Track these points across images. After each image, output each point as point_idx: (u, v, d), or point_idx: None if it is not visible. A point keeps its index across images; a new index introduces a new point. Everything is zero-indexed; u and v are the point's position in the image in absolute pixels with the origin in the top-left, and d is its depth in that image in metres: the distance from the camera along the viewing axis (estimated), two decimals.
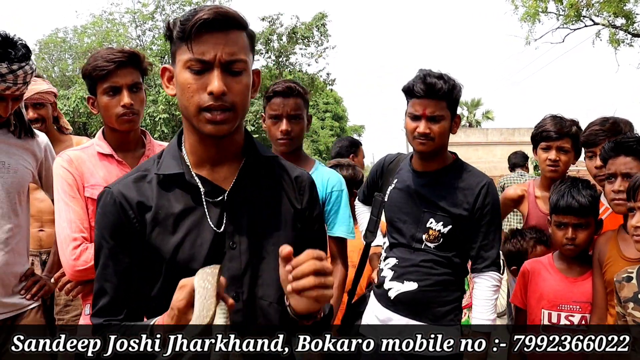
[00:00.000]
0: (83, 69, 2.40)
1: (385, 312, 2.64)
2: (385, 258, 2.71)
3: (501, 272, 2.63)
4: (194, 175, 1.45)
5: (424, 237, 2.58)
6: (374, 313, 2.71)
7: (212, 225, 1.42)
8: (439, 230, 2.55)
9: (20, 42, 2.32)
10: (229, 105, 1.36)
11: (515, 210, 3.43)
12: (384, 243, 2.81)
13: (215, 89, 1.33)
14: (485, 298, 2.55)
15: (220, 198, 1.45)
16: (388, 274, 2.65)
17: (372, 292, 2.82)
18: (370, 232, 2.91)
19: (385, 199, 2.74)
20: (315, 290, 1.21)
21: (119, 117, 2.32)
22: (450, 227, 2.54)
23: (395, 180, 2.73)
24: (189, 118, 1.40)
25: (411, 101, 2.54)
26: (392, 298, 2.61)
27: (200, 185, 1.44)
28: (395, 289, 2.61)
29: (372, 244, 3.02)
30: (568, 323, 2.48)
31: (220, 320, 1.18)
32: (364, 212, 3.08)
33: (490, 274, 2.55)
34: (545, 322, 2.50)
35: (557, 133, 2.98)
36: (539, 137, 3.09)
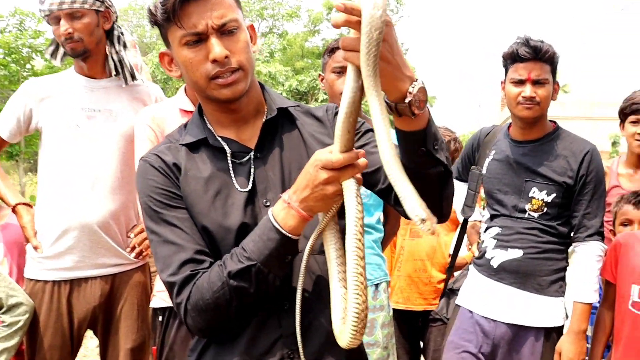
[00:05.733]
0: None
1: (488, 282, 2.60)
2: (487, 229, 2.68)
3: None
4: (219, 138, 1.45)
5: (527, 207, 2.54)
6: (475, 284, 2.67)
7: (237, 186, 1.42)
8: (543, 199, 2.52)
9: None
10: (236, 66, 1.36)
11: None
12: (483, 216, 2.78)
13: (217, 55, 1.33)
14: (589, 267, 2.50)
15: (247, 157, 1.45)
16: (490, 243, 2.62)
17: (471, 265, 2.79)
18: (469, 206, 2.86)
19: (484, 171, 2.71)
20: None
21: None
22: (554, 195, 2.51)
23: (493, 152, 2.69)
24: (201, 91, 1.41)
25: (513, 66, 2.53)
26: (495, 267, 2.58)
27: (226, 147, 1.44)
28: (499, 257, 2.57)
29: (470, 219, 2.99)
30: None
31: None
32: (459, 189, 3.02)
33: (594, 243, 2.50)
34: (636, 298, 2.40)
35: None
36: (627, 110, 2.99)
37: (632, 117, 2.95)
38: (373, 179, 1.45)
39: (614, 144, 24.39)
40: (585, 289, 2.50)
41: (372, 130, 1.52)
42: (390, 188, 1.40)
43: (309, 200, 1.25)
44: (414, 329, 3.48)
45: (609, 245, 2.65)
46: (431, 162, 1.27)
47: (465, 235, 3.15)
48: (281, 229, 1.28)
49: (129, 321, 2.58)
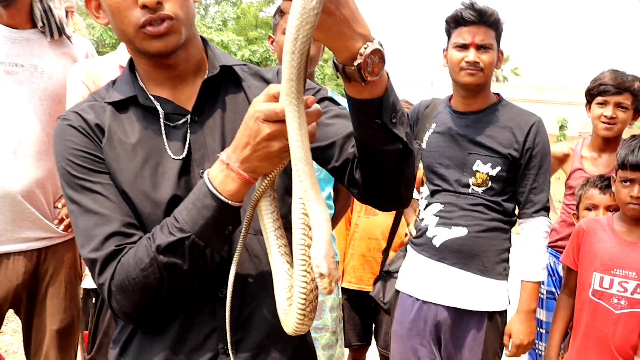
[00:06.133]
0: None
1: (428, 263, 2.46)
2: (427, 206, 2.52)
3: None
4: (151, 96, 1.25)
5: (470, 181, 2.42)
6: (414, 266, 2.53)
7: (170, 153, 1.22)
8: (487, 173, 2.40)
9: None
10: (169, 13, 1.16)
11: None
12: (422, 192, 2.62)
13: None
14: (537, 245, 2.41)
15: (183, 120, 1.26)
16: (431, 220, 2.47)
17: (408, 245, 2.64)
18: None
19: (424, 146, 2.55)
20: None
21: None
22: (499, 168, 2.39)
23: (434, 125, 2.55)
24: (130, 41, 1.20)
25: (457, 30, 2.42)
26: (437, 246, 2.43)
27: (159, 107, 1.24)
28: (442, 235, 2.43)
29: None
30: (621, 289, 2.29)
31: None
32: None
33: (541, 219, 2.42)
34: (596, 286, 2.32)
35: (616, 87, 2.82)
36: (595, 91, 2.89)
37: (599, 99, 2.85)
38: (326, 155, 1.25)
39: (562, 127, 24.96)
40: (534, 267, 2.41)
41: (328, 98, 1.33)
42: (344, 167, 1.22)
43: (252, 160, 1.05)
44: (366, 311, 3.34)
45: (572, 230, 2.56)
46: (388, 137, 1.09)
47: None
48: (219, 195, 1.08)
49: (55, 300, 2.35)
